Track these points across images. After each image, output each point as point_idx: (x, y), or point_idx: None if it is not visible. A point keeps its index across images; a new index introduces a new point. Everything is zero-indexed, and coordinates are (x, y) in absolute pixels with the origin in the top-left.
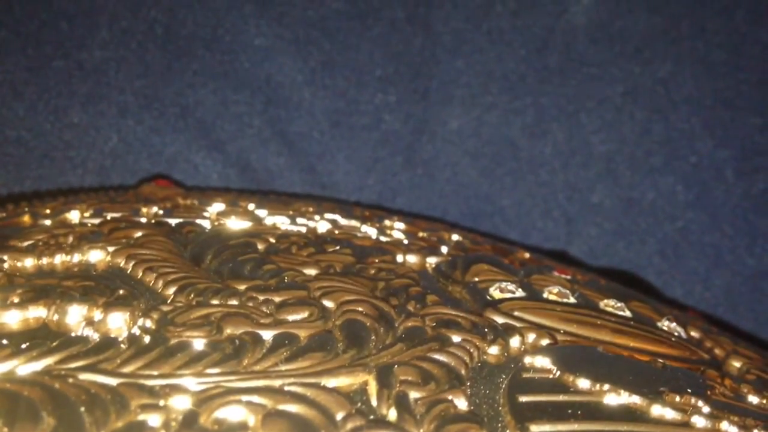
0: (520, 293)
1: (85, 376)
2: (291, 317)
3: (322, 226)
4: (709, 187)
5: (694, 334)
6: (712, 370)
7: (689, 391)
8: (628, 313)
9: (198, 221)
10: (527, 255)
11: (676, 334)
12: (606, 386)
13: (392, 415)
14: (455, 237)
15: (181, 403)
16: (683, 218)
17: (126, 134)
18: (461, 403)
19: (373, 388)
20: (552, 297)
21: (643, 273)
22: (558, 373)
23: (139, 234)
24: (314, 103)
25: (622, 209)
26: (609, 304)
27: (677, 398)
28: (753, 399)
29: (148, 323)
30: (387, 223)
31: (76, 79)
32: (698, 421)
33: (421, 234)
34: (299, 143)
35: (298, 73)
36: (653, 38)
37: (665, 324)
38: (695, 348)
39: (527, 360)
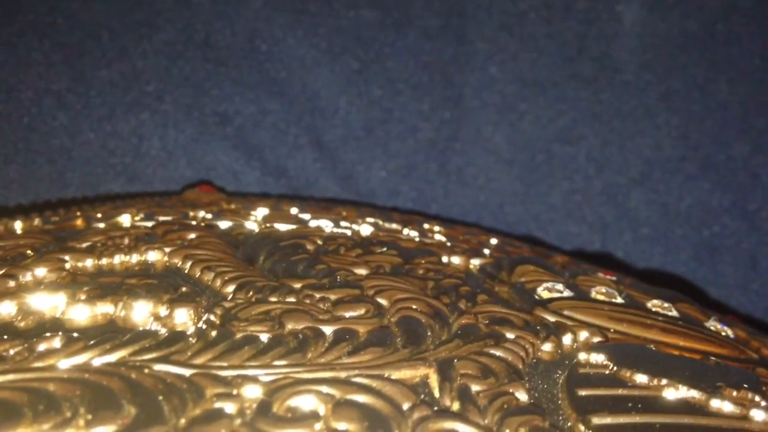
0: (567, 293)
1: (159, 367)
2: (348, 314)
3: (365, 229)
4: (745, 193)
5: (740, 334)
6: (763, 368)
7: (746, 386)
8: (675, 314)
9: (246, 224)
10: (566, 258)
11: (723, 333)
12: (664, 381)
13: (455, 406)
14: (494, 240)
15: (253, 393)
16: (719, 223)
17: (167, 142)
18: (522, 396)
19: (434, 381)
20: (600, 297)
21: (679, 278)
22: (615, 368)
23: (192, 236)
24: (349, 111)
25: (658, 215)
26: (657, 305)
27: (734, 393)
28: None
29: (213, 318)
30: (427, 226)
31: (118, 89)
32: (757, 414)
33: (461, 237)
34: (335, 151)
35: (333, 82)
36: (688, 44)
37: (712, 324)
38: (743, 347)
39: (582, 356)
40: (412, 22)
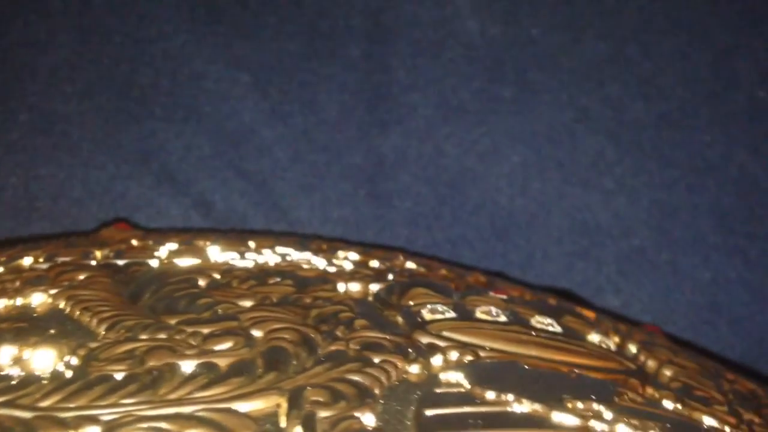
0: (450, 314)
1: (3, 411)
2: (216, 347)
3: (272, 260)
4: (662, 205)
5: (632, 346)
6: (635, 379)
7: (593, 397)
8: (558, 329)
9: (148, 260)
10: (482, 278)
11: (604, 346)
12: (510, 396)
13: None
14: (410, 264)
15: None
16: (638, 236)
17: (90, 183)
18: (369, 419)
19: (283, 410)
20: (483, 316)
21: (603, 293)
22: (469, 386)
23: (82, 276)
24: (275, 142)
25: (579, 231)
26: (540, 321)
27: (579, 405)
28: (668, 405)
29: (74, 360)
30: (341, 254)
31: (39, 132)
32: (597, 425)
33: (372, 263)
34: (262, 182)
35: (258, 114)
36: (600, 63)
37: (594, 336)
38: (622, 359)
39: (443, 376)
40: (334, 53)
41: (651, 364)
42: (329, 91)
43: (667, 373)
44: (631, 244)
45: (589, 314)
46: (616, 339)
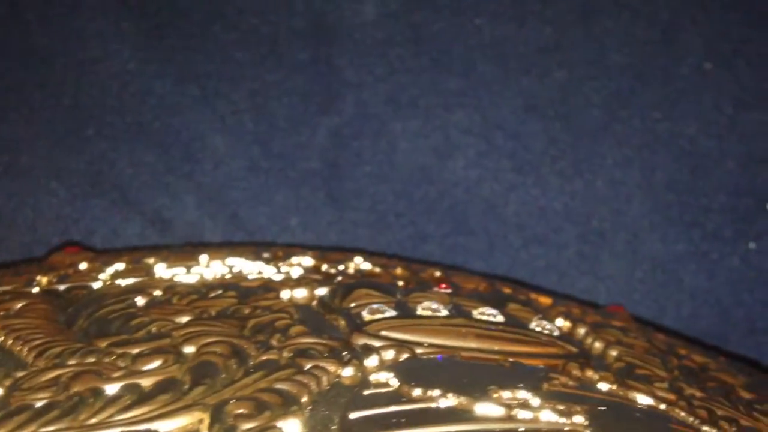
0: (390, 313)
1: None
2: (145, 367)
3: (219, 272)
4: (617, 185)
5: (581, 330)
6: (576, 362)
7: (520, 385)
8: (501, 318)
9: (91, 283)
10: (438, 274)
11: (546, 332)
12: (437, 392)
13: None
14: (366, 265)
15: None
16: (596, 218)
17: (42, 209)
18: (293, 427)
19: (205, 425)
20: (424, 312)
21: (567, 277)
22: (397, 385)
23: (21, 305)
24: (228, 152)
25: (538, 218)
26: (482, 312)
27: (505, 394)
28: (604, 386)
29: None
30: (295, 259)
31: None
32: (522, 413)
33: (324, 267)
34: (218, 194)
35: (208, 125)
36: (545, 49)
37: (536, 323)
38: (565, 343)
39: (373, 377)
40: (281, 59)
41: (598, 345)
42: (278, 96)
43: (613, 353)
44: (590, 227)
45: (545, 300)
46: (567, 323)
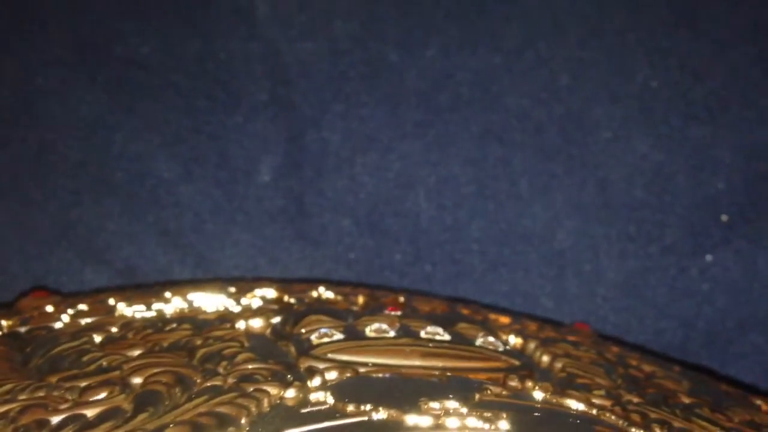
0: (338, 336)
1: None
2: (92, 398)
3: (178, 307)
4: (575, 205)
5: (531, 344)
6: (517, 374)
7: (450, 396)
8: (447, 337)
9: (53, 324)
10: (400, 299)
11: (490, 347)
12: (369, 406)
13: None
14: (328, 294)
15: None
16: (557, 239)
17: (10, 264)
18: None
19: None
20: (372, 334)
21: (534, 298)
22: (332, 402)
23: None
24: (193, 197)
25: (501, 241)
26: (429, 332)
27: (434, 405)
28: (539, 395)
29: None
30: (257, 292)
31: None
32: (451, 422)
33: (285, 297)
34: (185, 239)
35: (171, 172)
36: (497, 75)
37: (482, 340)
38: (509, 357)
39: (313, 396)
40: (239, 102)
41: (545, 359)
42: (239, 139)
43: (559, 365)
44: (552, 248)
45: (504, 320)
46: (519, 340)
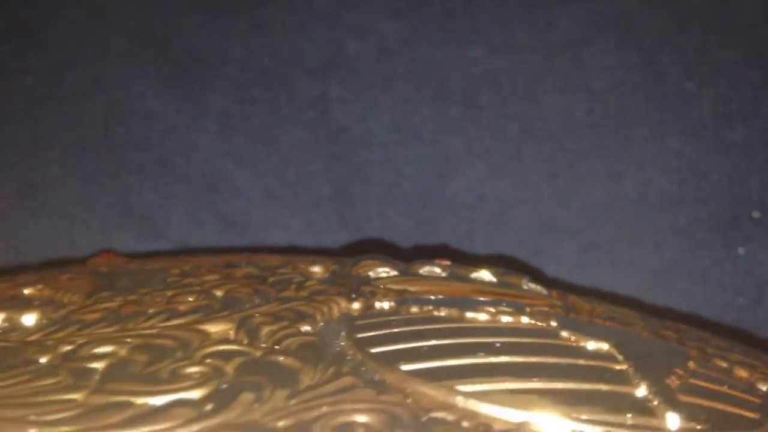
0: (393, 274)
1: None
2: (180, 307)
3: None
4: (612, 199)
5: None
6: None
7: (504, 304)
8: (493, 279)
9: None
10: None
11: (535, 291)
12: (431, 306)
13: (245, 340)
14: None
15: None
16: (594, 231)
17: (76, 239)
18: (305, 328)
19: (234, 329)
20: (424, 273)
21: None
22: (396, 306)
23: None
24: (245, 183)
25: (538, 232)
26: (477, 275)
27: (490, 308)
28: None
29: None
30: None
31: (26, 198)
32: (505, 318)
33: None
34: (237, 221)
35: (226, 159)
36: (537, 76)
37: (526, 285)
38: (549, 298)
39: (377, 305)
40: (292, 95)
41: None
42: (291, 129)
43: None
44: (589, 240)
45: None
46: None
